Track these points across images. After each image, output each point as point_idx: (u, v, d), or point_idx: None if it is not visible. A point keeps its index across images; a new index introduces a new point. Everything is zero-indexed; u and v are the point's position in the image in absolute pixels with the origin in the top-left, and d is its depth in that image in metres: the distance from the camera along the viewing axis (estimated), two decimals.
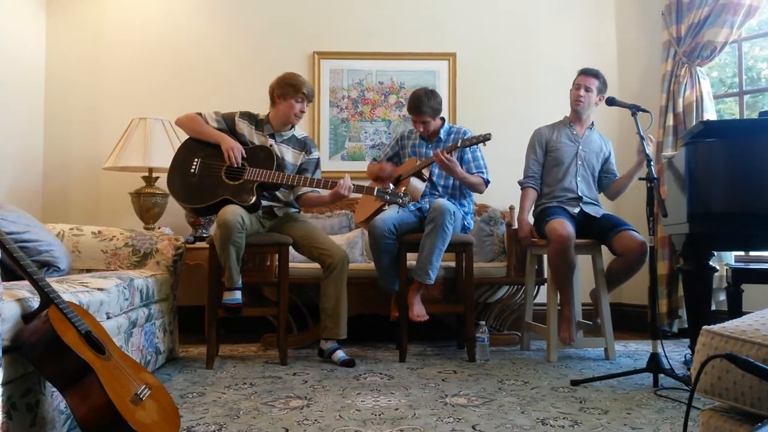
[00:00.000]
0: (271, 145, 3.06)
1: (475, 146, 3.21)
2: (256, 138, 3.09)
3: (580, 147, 3.29)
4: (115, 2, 4.13)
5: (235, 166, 2.94)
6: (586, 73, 3.27)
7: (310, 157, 3.16)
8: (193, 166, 2.99)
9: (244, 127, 3.09)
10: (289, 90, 3.01)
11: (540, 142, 3.34)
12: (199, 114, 3.08)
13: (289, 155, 3.11)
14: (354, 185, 2.91)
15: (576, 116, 3.33)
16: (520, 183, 3.38)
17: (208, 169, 2.99)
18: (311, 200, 3.15)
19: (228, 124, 3.09)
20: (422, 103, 3.21)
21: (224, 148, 2.96)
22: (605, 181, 3.38)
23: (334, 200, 3.02)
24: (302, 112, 3.06)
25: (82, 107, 4.09)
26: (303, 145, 3.16)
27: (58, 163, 4.06)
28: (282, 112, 3.05)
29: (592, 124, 3.38)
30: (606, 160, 3.37)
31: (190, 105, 3.85)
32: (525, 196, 3.32)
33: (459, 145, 3.08)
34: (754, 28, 3.80)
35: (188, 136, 3.10)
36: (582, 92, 3.24)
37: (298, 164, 3.13)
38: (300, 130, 3.22)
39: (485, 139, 3.03)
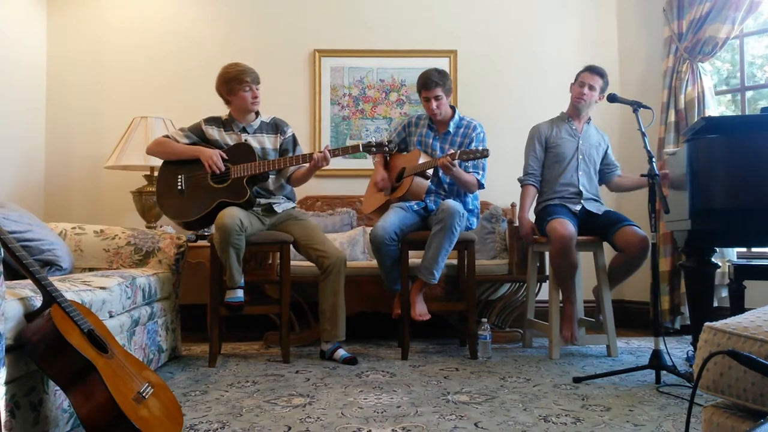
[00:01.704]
0: (246, 140, 3.07)
1: (480, 144, 3.19)
2: (228, 139, 3.09)
3: (581, 142, 3.28)
4: (115, 1, 4.13)
5: (219, 173, 2.96)
6: (592, 70, 3.24)
7: (285, 137, 3.17)
8: (179, 183, 3.01)
9: (213, 132, 3.09)
10: (233, 85, 3.02)
11: (539, 139, 3.32)
12: (167, 136, 3.10)
13: (267, 142, 3.12)
14: (331, 150, 2.96)
15: (575, 112, 3.32)
16: (520, 180, 3.37)
17: (194, 180, 3.00)
18: (300, 176, 3.13)
19: (198, 135, 3.09)
20: (432, 76, 3.15)
21: (203, 159, 2.97)
22: (607, 174, 3.39)
23: (316, 169, 3.02)
24: (256, 97, 3.06)
25: (83, 106, 4.09)
26: (275, 128, 3.17)
27: (60, 162, 4.06)
28: (238, 106, 3.07)
29: (589, 119, 3.37)
30: (605, 154, 3.38)
31: (191, 103, 3.88)
32: (525, 194, 3.31)
33: (457, 157, 2.96)
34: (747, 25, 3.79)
35: (162, 162, 3.09)
36: (586, 90, 3.22)
37: (278, 147, 3.14)
38: (265, 115, 3.20)
39: (483, 155, 2.94)
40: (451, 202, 2.99)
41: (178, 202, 3.00)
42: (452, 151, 3.07)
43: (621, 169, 3.43)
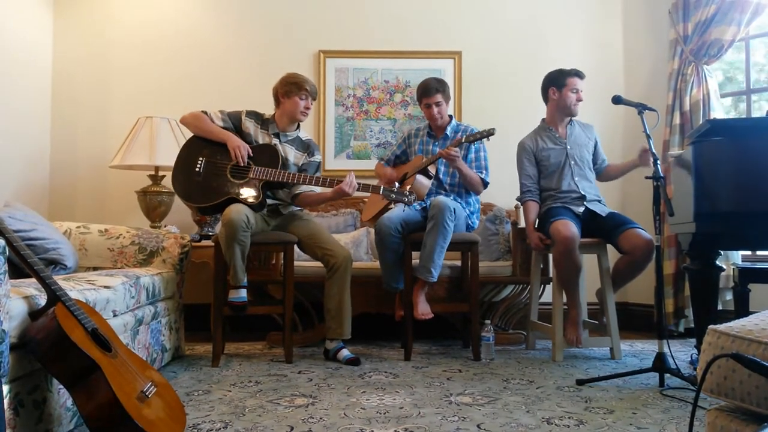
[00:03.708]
0: (275, 144, 3.07)
1: (480, 145, 3.22)
2: (261, 137, 3.09)
3: (568, 147, 3.26)
4: (121, 2, 4.15)
5: (242, 164, 2.95)
6: (581, 76, 3.23)
7: (311, 160, 3.15)
8: (198, 165, 3.00)
9: (250, 125, 3.10)
10: (292, 88, 3.04)
11: (528, 156, 3.28)
12: (205, 112, 3.09)
13: (292, 156, 3.11)
14: (360, 184, 2.90)
15: (560, 118, 3.28)
16: (518, 199, 3.34)
17: (213, 167, 2.99)
18: (309, 199, 3.09)
19: (234, 123, 3.10)
20: (432, 83, 3.25)
21: (231, 147, 2.97)
22: (597, 167, 3.36)
23: (337, 197, 2.98)
24: (307, 108, 3.08)
25: (88, 106, 4.10)
26: (306, 147, 3.16)
27: (65, 161, 4.08)
28: (288, 110, 3.07)
29: (571, 120, 3.33)
30: (594, 149, 3.36)
31: (196, 104, 3.85)
32: (528, 210, 3.26)
33: (463, 140, 3.07)
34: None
35: (192, 135, 3.10)
36: (581, 95, 3.23)
37: (300, 165, 3.13)
38: (305, 132, 3.22)
39: (489, 134, 3.02)
40: (441, 198, 3.03)
41: (190, 183, 2.98)
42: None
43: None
